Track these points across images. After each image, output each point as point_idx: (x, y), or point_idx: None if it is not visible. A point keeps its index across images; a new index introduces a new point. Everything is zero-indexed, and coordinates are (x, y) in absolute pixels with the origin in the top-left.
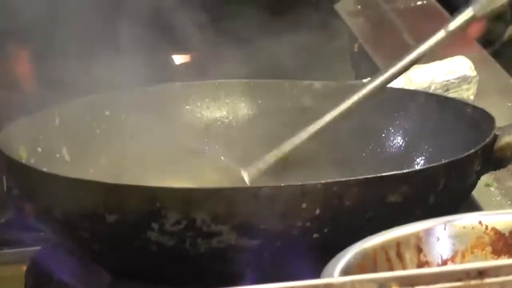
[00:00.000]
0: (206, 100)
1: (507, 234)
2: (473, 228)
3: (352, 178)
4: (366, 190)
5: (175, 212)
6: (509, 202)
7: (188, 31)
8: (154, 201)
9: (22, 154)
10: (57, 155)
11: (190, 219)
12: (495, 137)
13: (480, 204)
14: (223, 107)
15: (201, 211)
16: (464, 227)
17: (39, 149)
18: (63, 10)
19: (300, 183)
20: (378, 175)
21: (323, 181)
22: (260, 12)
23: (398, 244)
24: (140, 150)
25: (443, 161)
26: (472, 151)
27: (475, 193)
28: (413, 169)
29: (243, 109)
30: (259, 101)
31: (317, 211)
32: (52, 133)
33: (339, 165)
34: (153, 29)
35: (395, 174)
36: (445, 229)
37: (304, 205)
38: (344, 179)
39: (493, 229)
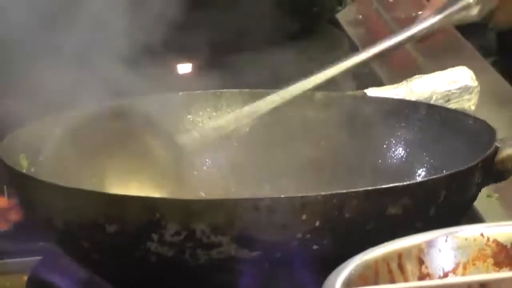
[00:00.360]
0: (208, 109)
1: (508, 246)
2: (474, 240)
3: (352, 190)
4: (366, 202)
5: (175, 223)
6: (510, 213)
7: (192, 41)
8: (154, 211)
9: (23, 163)
10: (59, 164)
11: (190, 230)
12: (496, 150)
13: (482, 215)
14: (225, 116)
15: (201, 222)
16: (466, 239)
17: (41, 158)
18: (64, 17)
19: (300, 195)
20: (378, 187)
21: (323, 193)
22: (262, 22)
23: (399, 255)
24: (141, 159)
25: (444, 173)
26: (473, 163)
27: (476, 204)
28: (414, 181)
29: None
30: None
31: (317, 223)
32: (54, 142)
33: (340, 177)
34: (156, 38)
35: (395, 186)
36: (446, 241)
37: (304, 217)
38: (344, 191)
39: (495, 241)
